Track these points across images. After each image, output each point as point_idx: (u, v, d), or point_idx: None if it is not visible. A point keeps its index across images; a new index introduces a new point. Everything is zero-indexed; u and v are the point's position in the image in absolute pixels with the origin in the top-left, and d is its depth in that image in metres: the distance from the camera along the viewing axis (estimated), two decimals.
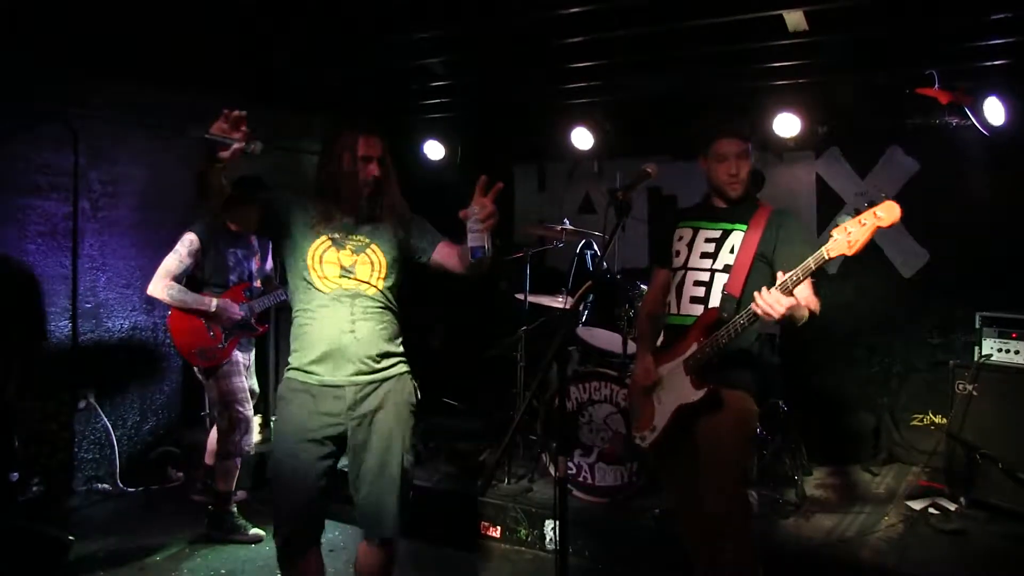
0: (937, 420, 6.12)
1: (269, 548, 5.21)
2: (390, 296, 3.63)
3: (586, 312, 5.84)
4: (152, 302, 6.59)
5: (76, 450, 6.13)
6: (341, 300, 3.49)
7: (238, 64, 6.40)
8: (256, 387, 5.68)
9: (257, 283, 5.64)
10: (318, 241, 3.51)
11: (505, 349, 6.53)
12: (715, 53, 5.87)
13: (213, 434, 5.63)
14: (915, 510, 5.18)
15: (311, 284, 3.52)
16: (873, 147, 6.67)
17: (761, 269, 3.60)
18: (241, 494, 5.69)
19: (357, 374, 3.47)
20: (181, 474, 6.45)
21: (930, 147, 6.36)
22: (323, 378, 3.48)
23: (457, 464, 6.00)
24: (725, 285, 3.62)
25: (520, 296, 6.07)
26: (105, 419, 6.24)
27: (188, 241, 5.26)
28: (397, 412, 3.53)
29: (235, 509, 5.49)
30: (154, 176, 6.65)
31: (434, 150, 8.06)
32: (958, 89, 5.69)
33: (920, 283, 6.51)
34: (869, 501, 5.45)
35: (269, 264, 5.77)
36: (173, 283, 5.19)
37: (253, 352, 5.67)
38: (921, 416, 6.33)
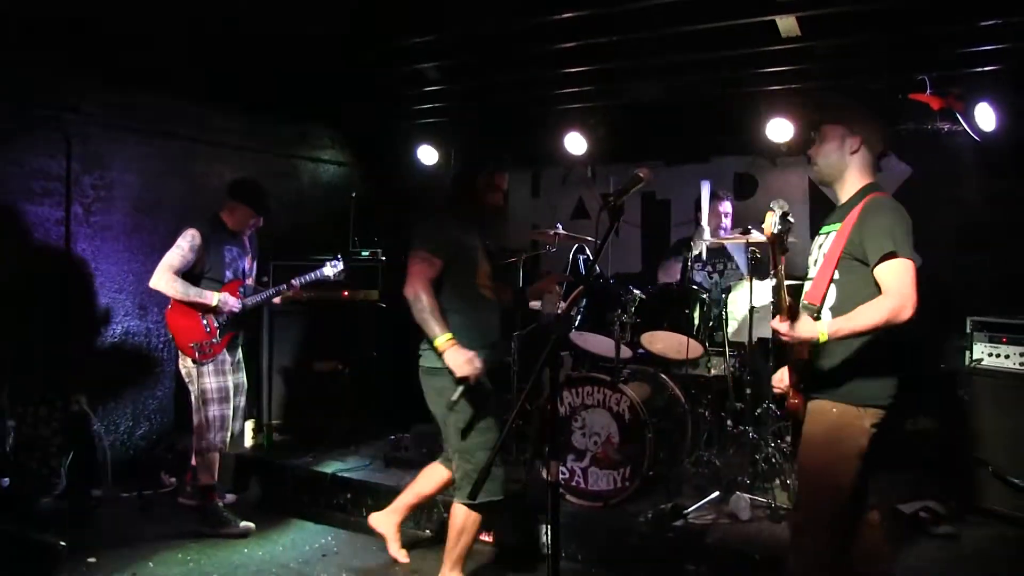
0: (929, 424, 6.11)
1: (262, 552, 5.23)
2: None
3: (579, 317, 5.84)
4: (145, 307, 6.62)
5: (68, 455, 6.10)
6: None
7: (233, 71, 6.41)
8: (244, 382, 5.79)
9: (249, 281, 5.71)
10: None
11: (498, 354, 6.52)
12: (708, 59, 5.90)
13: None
14: (906, 514, 5.18)
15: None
16: None
17: (854, 269, 3.34)
18: (231, 497, 5.69)
19: None
20: (174, 479, 6.43)
21: (922, 152, 6.39)
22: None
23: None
24: (806, 294, 3.50)
25: None
26: (97, 424, 6.22)
27: (190, 236, 5.37)
28: None
29: (222, 504, 5.57)
30: (147, 182, 6.66)
31: (427, 155, 8.06)
32: (950, 95, 5.72)
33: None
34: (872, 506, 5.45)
35: (255, 265, 5.83)
36: (176, 276, 5.31)
37: (239, 350, 5.77)
38: (913, 421, 6.33)
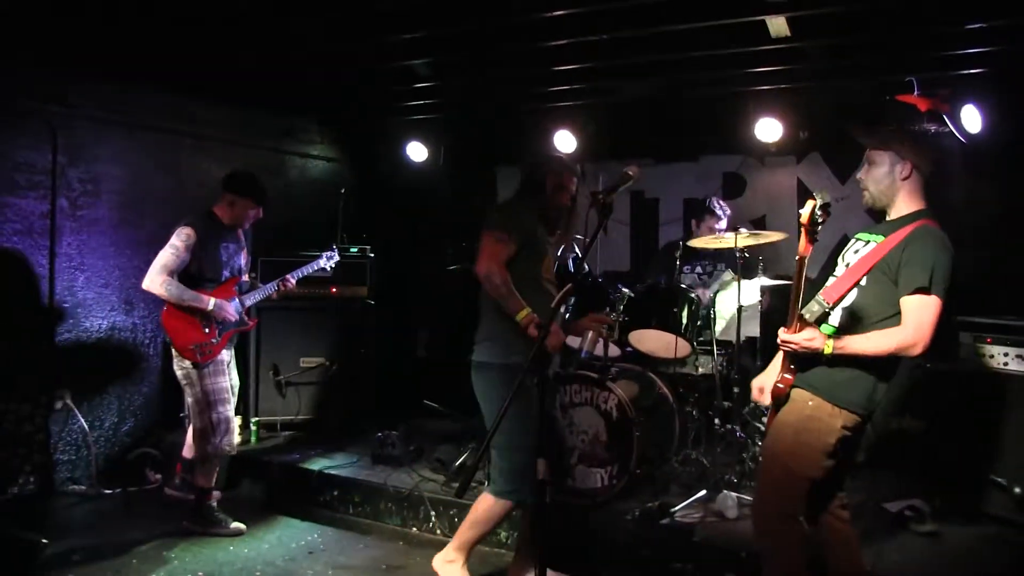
0: (914, 423, 6.14)
1: (248, 550, 5.22)
2: None
3: (567, 315, 5.83)
4: (131, 302, 6.58)
5: (52, 451, 6.09)
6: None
7: (221, 65, 6.39)
8: (237, 381, 5.67)
9: (245, 277, 5.66)
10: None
11: None
12: (698, 58, 5.90)
13: (191, 429, 5.62)
14: (891, 512, 5.21)
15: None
16: (853, 153, 6.68)
17: (881, 283, 3.38)
18: (217, 494, 5.68)
19: None
20: (159, 476, 6.40)
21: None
22: None
23: (438, 466, 5.99)
24: (823, 290, 3.52)
25: None
26: (82, 420, 6.20)
27: (185, 235, 5.22)
28: None
29: (215, 504, 5.50)
30: (134, 175, 6.63)
31: (417, 151, 8.05)
32: (936, 96, 5.74)
33: None
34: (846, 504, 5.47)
35: (249, 260, 5.80)
36: (170, 278, 5.16)
37: (233, 348, 5.68)
38: (898, 420, 6.36)
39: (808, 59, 5.67)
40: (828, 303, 3.43)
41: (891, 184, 3.51)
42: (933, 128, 5.96)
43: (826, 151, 6.82)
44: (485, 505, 4.33)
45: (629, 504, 5.19)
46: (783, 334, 3.37)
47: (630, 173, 3.44)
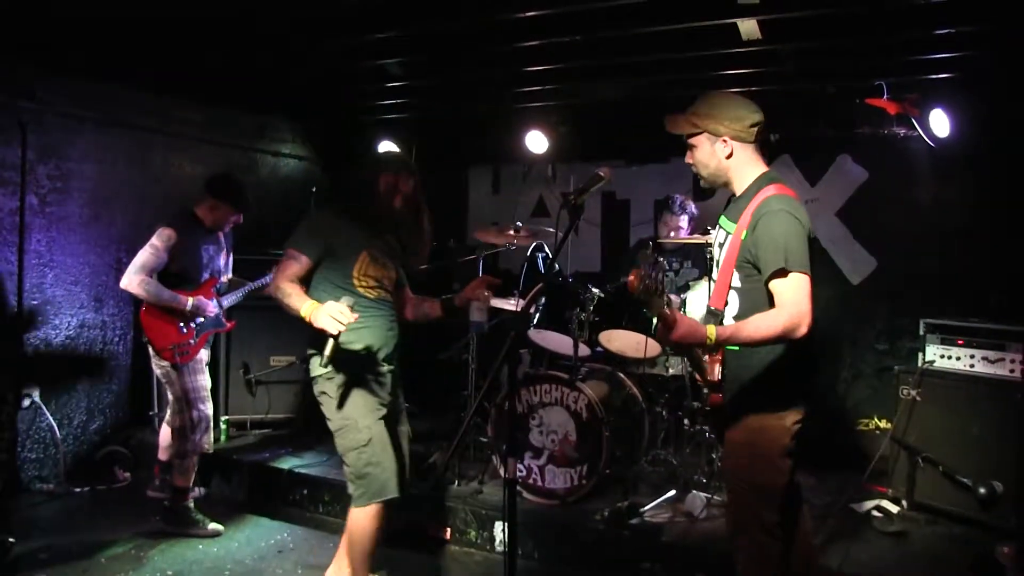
0: (882, 424, 6.21)
1: (217, 549, 5.20)
2: None
3: (537, 315, 5.86)
4: (101, 299, 6.54)
5: (20, 449, 6.03)
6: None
7: (194, 63, 6.36)
8: (209, 381, 5.64)
9: (224, 279, 5.63)
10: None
11: (457, 351, 6.53)
12: (670, 60, 5.93)
13: (165, 430, 5.60)
14: (859, 512, 5.26)
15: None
16: (823, 155, 6.79)
17: (752, 276, 3.26)
18: (200, 491, 5.63)
19: None
20: (128, 474, 6.37)
21: (879, 156, 6.49)
22: None
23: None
24: (710, 299, 3.41)
25: None
26: (50, 418, 6.15)
27: (166, 236, 5.19)
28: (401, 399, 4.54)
29: (192, 504, 5.47)
30: (105, 173, 6.57)
31: (388, 151, 8.02)
32: (906, 100, 5.81)
33: (868, 290, 6.64)
34: (815, 504, 5.52)
35: (231, 260, 5.76)
36: (148, 278, 5.13)
37: (209, 348, 5.65)
38: (867, 421, 6.43)
39: (779, 62, 5.71)
40: (719, 310, 3.34)
41: (718, 164, 3.42)
42: (902, 132, 6.04)
43: (796, 154, 6.87)
44: (350, 519, 4.17)
45: (598, 504, 5.22)
46: (660, 334, 3.10)
47: (601, 174, 3.44)
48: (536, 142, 7.26)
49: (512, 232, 5.93)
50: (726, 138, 3.38)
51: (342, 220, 4.20)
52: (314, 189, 7.79)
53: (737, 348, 3.22)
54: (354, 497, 4.10)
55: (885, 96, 5.78)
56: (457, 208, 8.70)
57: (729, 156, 3.40)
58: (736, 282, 3.31)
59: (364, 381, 4.13)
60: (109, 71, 6.24)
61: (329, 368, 3.99)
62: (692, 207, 6.43)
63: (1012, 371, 5.06)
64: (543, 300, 5.67)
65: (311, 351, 4.13)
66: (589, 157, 7.49)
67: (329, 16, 5.59)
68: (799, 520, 3.60)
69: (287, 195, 8.17)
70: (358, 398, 4.10)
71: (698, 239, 5.53)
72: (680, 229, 6.36)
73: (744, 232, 3.24)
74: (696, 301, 5.74)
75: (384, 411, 4.19)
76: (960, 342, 5.30)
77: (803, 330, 3.06)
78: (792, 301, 3.09)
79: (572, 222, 3.33)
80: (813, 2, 4.87)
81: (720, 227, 3.51)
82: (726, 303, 3.32)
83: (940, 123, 5.74)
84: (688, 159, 3.54)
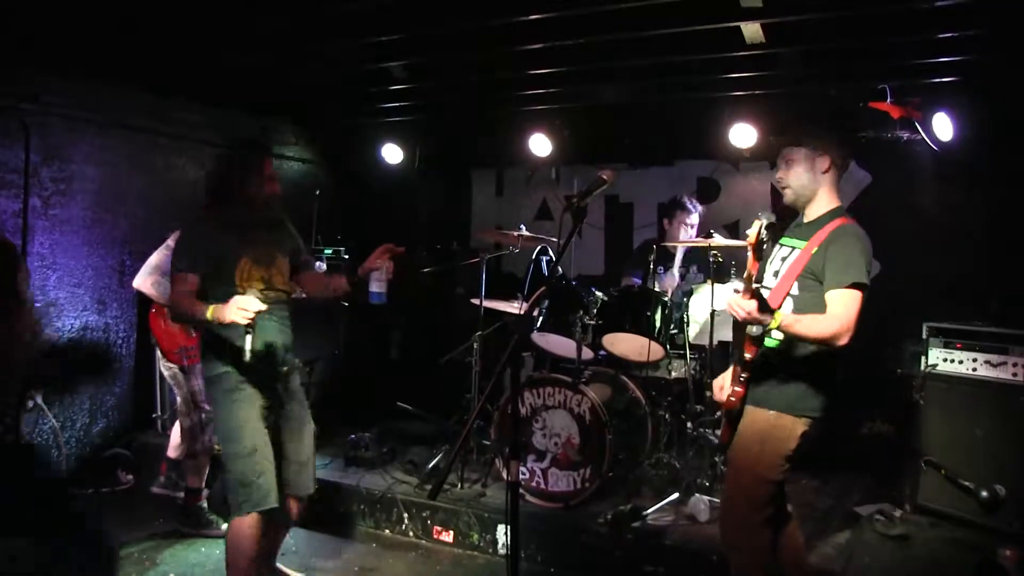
0: (885, 428, 6.20)
1: (220, 552, 5.17)
2: None
3: (541, 318, 5.85)
4: (104, 302, 6.54)
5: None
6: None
7: (194, 65, 6.36)
8: None
9: None
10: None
11: (460, 354, 6.53)
12: (673, 63, 5.93)
13: (176, 429, 5.63)
14: (862, 516, 5.26)
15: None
16: None
17: (811, 288, 3.50)
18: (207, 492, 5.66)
19: None
20: (131, 477, 6.37)
21: (882, 160, 6.48)
22: None
23: (411, 468, 5.99)
24: (768, 297, 3.57)
25: (475, 301, 6.07)
26: (53, 420, 6.15)
27: None
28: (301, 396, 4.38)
29: (205, 504, 5.50)
30: (108, 175, 6.57)
31: (392, 153, 8.03)
32: (909, 104, 5.80)
33: (871, 293, 6.61)
34: (818, 508, 5.52)
35: None
36: (160, 278, 5.22)
37: None
38: (870, 424, 6.42)
39: (782, 65, 5.71)
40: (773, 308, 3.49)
41: (812, 179, 3.61)
42: (905, 135, 6.04)
43: None
44: (231, 530, 4.06)
45: (601, 507, 5.21)
46: (740, 300, 3.36)
47: (604, 177, 3.44)
48: (540, 145, 7.26)
49: (515, 235, 5.93)
50: (827, 157, 3.58)
51: (213, 230, 4.03)
52: (318, 192, 7.79)
53: (777, 344, 3.52)
54: (235, 506, 4.00)
55: (888, 100, 5.77)
56: (461, 211, 8.70)
57: (824, 172, 3.60)
58: (795, 290, 3.55)
59: (253, 386, 4.05)
60: (112, 73, 6.24)
61: (227, 369, 3.97)
62: (700, 206, 6.43)
63: (1015, 375, 5.06)
64: (546, 303, 5.66)
65: (210, 353, 4.08)
66: (593, 160, 7.50)
67: (333, 19, 5.59)
68: (789, 533, 3.83)
69: (290, 198, 8.10)
70: (246, 405, 4.02)
71: (701, 242, 5.52)
72: (692, 227, 6.35)
73: (815, 248, 3.48)
74: (699, 305, 5.74)
75: (273, 418, 4.13)
76: (962, 346, 5.30)
77: (845, 340, 3.34)
78: (844, 312, 3.36)
79: (575, 225, 3.33)
80: (816, 5, 4.87)
81: (782, 245, 3.72)
82: (780, 308, 3.50)
83: (943, 127, 5.73)
84: (780, 172, 3.69)
